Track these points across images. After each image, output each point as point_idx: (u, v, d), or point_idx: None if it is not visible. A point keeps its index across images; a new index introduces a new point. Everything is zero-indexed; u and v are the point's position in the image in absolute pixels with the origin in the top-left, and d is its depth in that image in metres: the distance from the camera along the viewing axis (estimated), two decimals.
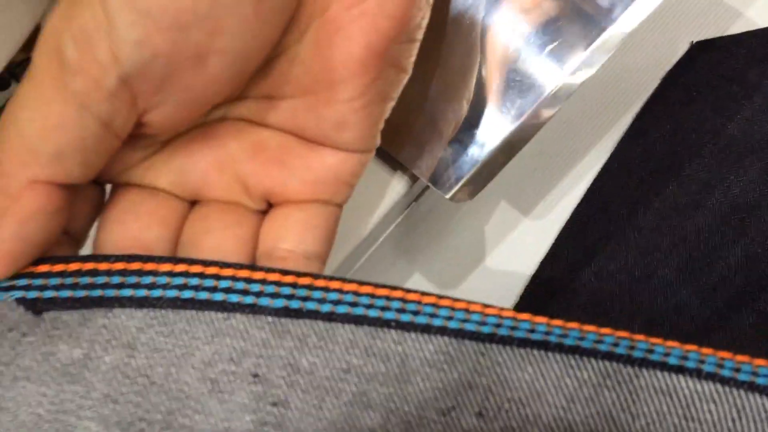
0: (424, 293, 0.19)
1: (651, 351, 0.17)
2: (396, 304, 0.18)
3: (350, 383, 0.18)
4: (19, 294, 0.19)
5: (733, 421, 0.17)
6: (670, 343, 0.18)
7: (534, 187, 0.34)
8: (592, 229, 0.33)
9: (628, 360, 0.17)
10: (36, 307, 0.19)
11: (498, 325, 0.18)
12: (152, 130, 0.21)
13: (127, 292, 0.19)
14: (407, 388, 0.18)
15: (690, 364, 0.17)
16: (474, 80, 0.26)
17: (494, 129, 0.26)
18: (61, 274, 0.19)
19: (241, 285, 0.19)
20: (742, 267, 0.30)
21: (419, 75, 0.23)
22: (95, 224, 0.22)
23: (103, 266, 0.19)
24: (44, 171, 0.19)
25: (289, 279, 0.19)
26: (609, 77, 0.34)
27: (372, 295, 0.19)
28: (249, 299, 0.19)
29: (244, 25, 0.19)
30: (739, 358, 0.17)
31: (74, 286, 0.19)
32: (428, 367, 0.18)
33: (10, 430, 0.19)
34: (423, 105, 0.27)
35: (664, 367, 0.17)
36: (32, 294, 0.19)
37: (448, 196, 0.27)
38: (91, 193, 0.22)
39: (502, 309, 0.18)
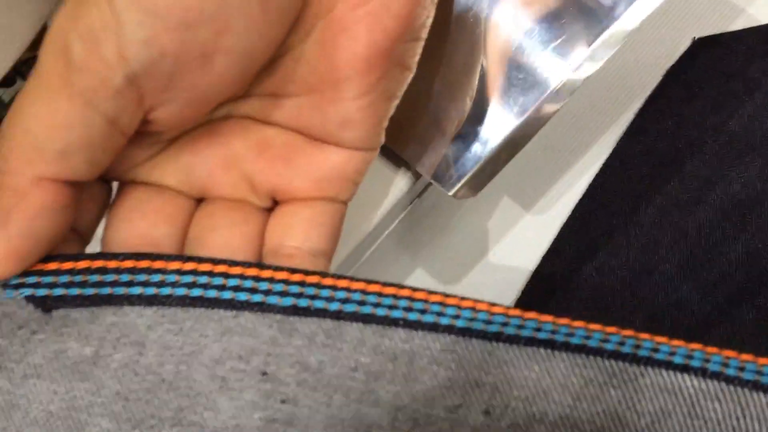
0: (431, 292, 0.19)
1: (656, 350, 0.18)
2: (403, 303, 0.19)
3: (358, 381, 0.18)
4: (29, 291, 0.19)
5: (737, 419, 0.17)
6: (675, 342, 0.18)
7: (536, 182, 0.34)
8: (594, 225, 0.33)
9: (633, 359, 0.18)
10: (45, 304, 0.19)
11: (505, 324, 0.18)
12: (158, 127, 0.21)
13: (137, 290, 0.19)
14: (415, 386, 0.18)
15: (695, 363, 0.17)
16: (477, 77, 0.27)
17: (497, 126, 0.26)
18: (71, 271, 0.19)
19: (249, 283, 0.19)
20: (743, 263, 0.30)
21: (422, 73, 0.23)
22: (102, 222, 0.23)
23: (112, 264, 0.19)
24: (51, 168, 0.19)
25: (297, 277, 0.19)
26: (611, 73, 0.34)
27: (380, 294, 0.19)
28: (257, 297, 0.19)
29: (250, 25, 0.19)
30: (744, 357, 0.17)
31: (83, 284, 0.19)
32: (436, 366, 0.18)
33: (22, 427, 0.19)
34: (426, 102, 0.27)
35: (669, 366, 0.17)
36: (42, 291, 0.19)
37: (451, 193, 0.27)
38: (97, 191, 0.22)
39: (508, 308, 0.18)
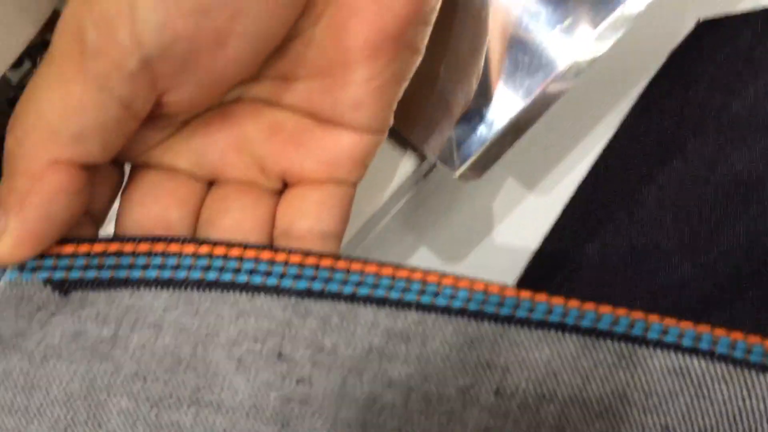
0: (443, 275, 0.19)
1: (665, 332, 0.18)
2: (416, 286, 0.19)
3: (372, 362, 0.19)
4: (46, 274, 0.20)
5: (743, 400, 0.18)
6: (684, 324, 0.18)
7: (539, 163, 0.35)
8: (596, 205, 0.34)
9: (643, 341, 0.18)
10: (63, 287, 0.20)
11: (516, 307, 0.18)
12: (171, 110, 0.21)
13: (153, 273, 0.19)
14: (427, 367, 0.19)
15: (704, 346, 0.18)
16: (483, 60, 0.27)
17: (503, 108, 0.26)
18: (87, 254, 0.20)
19: (264, 266, 0.19)
20: (745, 243, 0.31)
21: (429, 55, 0.23)
22: (114, 206, 0.23)
23: (128, 247, 0.20)
24: (65, 151, 0.19)
25: (311, 261, 0.19)
26: (615, 54, 0.34)
27: (393, 277, 0.19)
28: (272, 280, 0.19)
29: (263, 8, 0.19)
30: (751, 339, 0.18)
31: (100, 267, 0.20)
32: (448, 348, 0.19)
33: (43, 407, 0.19)
34: (432, 85, 0.27)
35: (678, 348, 0.18)
36: (59, 274, 0.20)
37: (456, 175, 0.27)
38: (110, 173, 0.22)
39: (520, 290, 0.19)
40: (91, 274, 0.20)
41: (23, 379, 0.19)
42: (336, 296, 0.19)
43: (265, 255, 0.19)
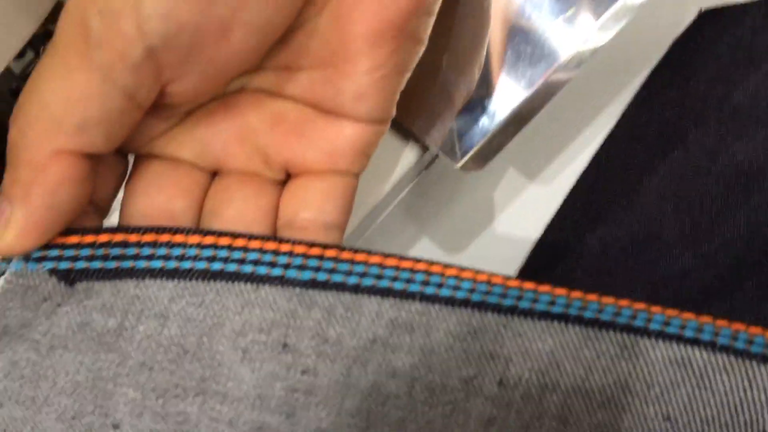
0: (447, 265, 0.19)
1: (667, 323, 0.18)
2: (420, 277, 0.19)
3: (376, 353, 0.19)
4: (51, 265, 0.20)
5: (745, 390, 0.18)
6: (686, 315, 0.18)
7: (541, 153, 0.35)
8: (598, 195, 0.34)
9: (645, 332, 0.18)
10: (68, 277, 0.20)
11: (519, 298, 0.19)
12: (174, 100, 0.21)
13: (158, 264, 0.20)
14: (431, 358, 0.19)
15: (705, 337, 0.18)
16: (485, 50, 0.27)
17: (505, 99, 0.26)
18: (92, 245, 0.20)
19: (268, 257, 0.19)
20: (745, 233, 0.31)
21: (431, 45, 0.23)
22: (118, 196, 0.23)
23: (133, 238, 0.20)
24: (69, 141, 0.19)
25: (315, 251, 0.19)
26: (617, 44, 0.34)
27: (397, 268, 0.19)
28: (277, 271, 0.19)
29: None
30: (752, 330, 0.18)
31: (105, 258, 0.20)
32: (452, 338, 0.19)
33: (51, 397, 0.20)
34: (435, 75, 0.27)
35: (680, 339, 0.18)
36: (64, 265, 0.20)
37: (458, 166, 0.27)
38: (114, 163, 0.22)
39: (523, 281, 0.19)
40: (96, 264, 0.20)
41: (30, 369, 0.20)
42: (340, 287, 0.19)
43: (270, 245, 0.20)
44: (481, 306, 0.19)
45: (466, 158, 0.27)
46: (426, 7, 0.21)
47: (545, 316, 0.19)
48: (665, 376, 0.18)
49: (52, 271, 0.20)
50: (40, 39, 0.25)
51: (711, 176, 0.32)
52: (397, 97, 0.23)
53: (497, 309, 0.19)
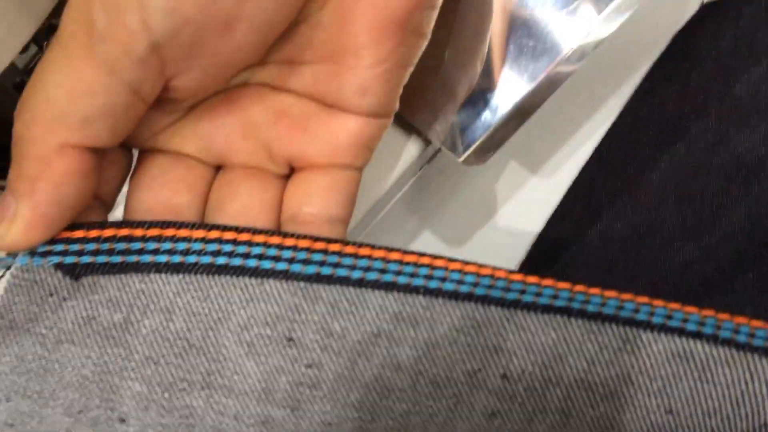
0: (451, 259, 0.19)
1: (670, 317, 0.18)
2: (424, 271, 0.19)
3: (381, 347, 0.19)
4: (57, 259, 0.20)
5: (746, 383, 0.18)
6: (688, 309, 0.18)
7: (543, 146, 0.35)
8: (599, 188, 0.34)
9: (647, 326, 0.18)
10: (74, 272, 0.20)
11: (523, 292, 0.19)
12: (178, 94, 0.21)
13: (163, 258, 0.20)
14: (435, 351, 0.19)
15: (707, 330, 0.18)
16: (487, 44, 0.27)
17: (507, 93, 0.26)
18: (97, 239, 0.20)
19: (273, 251, 0.20)
20: (746, 225, 0.31)
21: (434, 40, 0.23)
22: (123, 191, 0.23)
23: (138, 232, 0.20)
24: (74, 135, 0.19)
25: (319, 245, 0.20)
26: (619, 37, 0.34)
27: (400, 262, 0.19)
28: (281, 265, 0.19)
29: None
30: (755, 323, 0.18)
31: (110, 252, 0.20)
32: (455, 332, 0.19)
33: (57, 391, 0.20)
34: (437, 69, 0.27)
35: (682, 332, 0.18)
36: (70, 259, 0.20)
37: (460, 160, 0.27)
38: (119, 157, 0.22)
39: (526, 275, 0.19)
40: (102, 258, 0.20)
41: (37, 363, 0.20)
42: (344, 281, 0.19)
43: (274, 240, 0.20)
44: (485, 300, 0.19)
45: (468, 152, 0.27)
46: (429, 1, 0.21)
47: (548, 309, 0.19)
48: (667, 369, 0.18)
49: (58, 266, 0.20)
50: (44, 33, 0.25)
51: (712, 169, 0.32)
52: (400, 91, 0.23)
53: (501, 303, 0.19)
